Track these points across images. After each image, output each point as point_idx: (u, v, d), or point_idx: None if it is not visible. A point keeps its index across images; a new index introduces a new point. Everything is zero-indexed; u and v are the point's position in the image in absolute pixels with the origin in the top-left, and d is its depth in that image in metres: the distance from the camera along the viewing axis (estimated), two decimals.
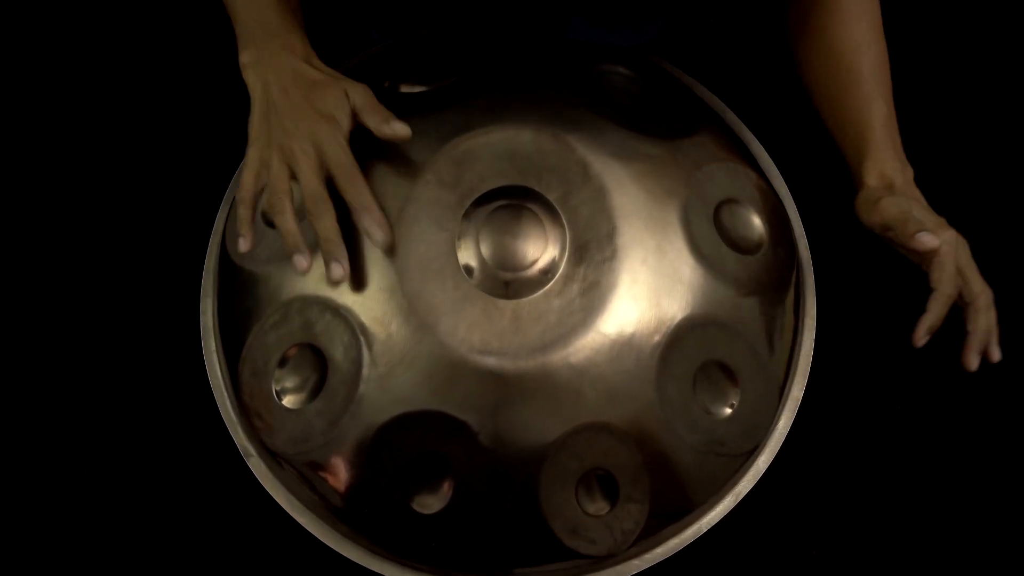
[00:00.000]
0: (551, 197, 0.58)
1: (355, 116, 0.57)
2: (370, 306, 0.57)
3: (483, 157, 0.59)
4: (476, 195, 0.58)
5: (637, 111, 0.65)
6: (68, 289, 0.84)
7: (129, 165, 0.90)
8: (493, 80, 0.65)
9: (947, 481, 0.85)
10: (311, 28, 0.66)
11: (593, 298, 0.56)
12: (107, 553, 0.74)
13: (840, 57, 0.66)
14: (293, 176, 0.56)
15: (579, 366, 0.55)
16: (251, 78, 0.59)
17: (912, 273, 0.66)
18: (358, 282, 0.58)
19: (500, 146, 0.59)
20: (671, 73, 0.74)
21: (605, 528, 0.57)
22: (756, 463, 0.63)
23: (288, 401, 0.58)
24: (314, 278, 0.59)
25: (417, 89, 0.65)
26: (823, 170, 0.72)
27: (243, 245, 0.58)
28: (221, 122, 0.86)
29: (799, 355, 0.65)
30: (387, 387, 0.56)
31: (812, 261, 0.70)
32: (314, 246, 0.57)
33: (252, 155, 0.58)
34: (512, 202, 0.58)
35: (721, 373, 0.59)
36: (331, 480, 0.58)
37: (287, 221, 0.56)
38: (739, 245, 0.61)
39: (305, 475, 0.59)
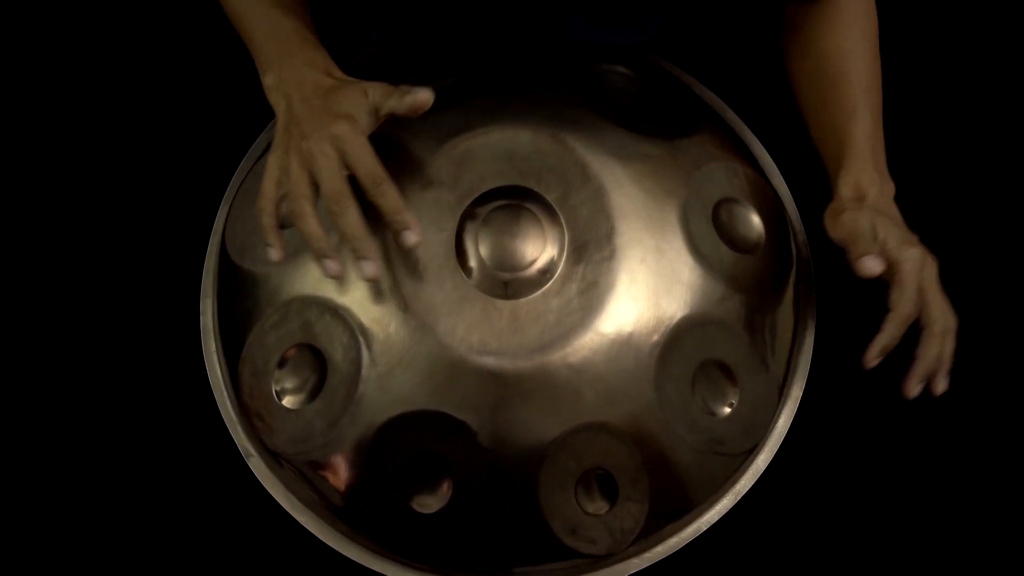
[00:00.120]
0: (550, 197, 0.58)
1: (377, 113, 0.56)
2: (369, 306, 0.57)
3: (482, 157, 0.59)
4: (475, 195, 0.58)
5: (636, 111, 0.65)
6: (68, 289, 0.84)
7: (129, 165, 0.91)
8: (492, 80, 0.65)
9: (947, 481, 0.85)
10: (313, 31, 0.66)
11: (592, 298, 0.56)
12: (107, 553, 0.74)
13: (828, 64, 0.65)
14: (314, 181, 0.54)
15: (578, 366, 0.55)
16: (275, 98, 0.58)
17: None
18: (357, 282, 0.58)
19: (499, 146, 0.59)
20: (671, 73, 0.74)
21: (604, 527, 0.57)
22: (755, 462, 0.63)
23: (288, 401, 0.59)
24: (313, 279, 0.59)
25: None
26: (823, 170, 0.72)
27: (274, 255, 0.56)
28: (221, 122, 0.86)
29: (799, 354, 0.66)
30: (386, 387, 0.56)
31: (812, 260, 0.70)
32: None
33: (271, 162, 0.56)
34: (511, 202, 0.59)
35: (720, 372, 0.59)
36: (331, 480, 0.58)
37: (310, 225, 0.54)
38: (738, 245, 0.62)
39: (305, 475, 0.59)
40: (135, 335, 0.81)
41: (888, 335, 0.56)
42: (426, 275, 0.57)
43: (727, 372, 0.59)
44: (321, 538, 0.60)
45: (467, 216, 0.58)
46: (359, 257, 0.54)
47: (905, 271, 0.56)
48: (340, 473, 0.58)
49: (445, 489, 0.55)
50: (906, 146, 0.68)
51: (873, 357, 0.57)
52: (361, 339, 0.56)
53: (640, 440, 0.56)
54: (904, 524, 0.82)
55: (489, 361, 0.55)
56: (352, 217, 0.53)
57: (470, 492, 0.55)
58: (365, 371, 0.56)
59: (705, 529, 0.61)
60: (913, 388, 0.57)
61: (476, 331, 0.56)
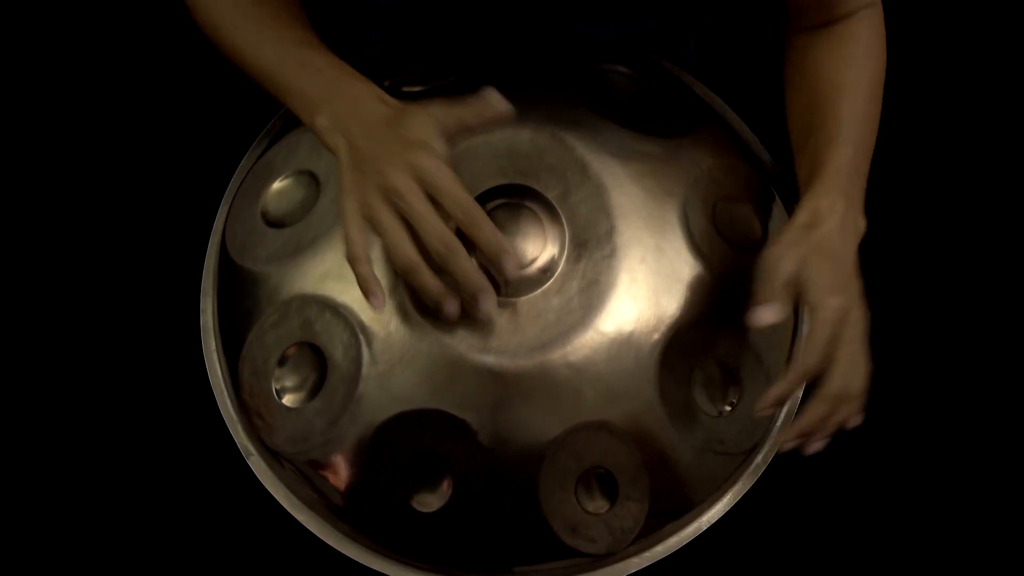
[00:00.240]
0: (550, 196, 0.58)
1: (449, 134, 0.52)
2: (369, 305, 0.57)
3: (482, 156, 0.59)
4: (475, 194, 0.58)
5: (636, 110, 0.65)
6: (68, 289, 0.84)
7: (129, 165, 0.91)
8: (492, 79, 0.65)
9: (947, 481, 0.85)
10: (313, 29, 0.66)
11: (592, 297, 0.56)
12: (107, 552, 0.74)
13: (819, 95, 0.62)
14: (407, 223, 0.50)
15: (578, 365, 0.55)
16: (332, 139, 0.54)
17: (912, 274, 0.66)
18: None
19: (499, 145, 0.59)
20: (671, 72, 0.74)
21: (604, 526, 0.57)
22: (755, 461, 0.63)
23: (288, 400, 0.59)
24: (313, 277, 0.59)
25: (416, 88, 0.65)
26: None
27: (377, 304, 0.51)
28: (221, 122, 0.87)
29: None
30: (386, 386, 0.56)
31: None
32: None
33: (350, 207, 0.51)
34: (511, 201, 0.59)
35: (720, 371, 0.59)
36: (331, 479, 0.58)
37: (427, 278, 0.50)
38: (738, 243, 0.62)
39: (305, 474, 0.59)
40: (135, 334, 0.81)
41: (782, 387, 0.52)
42: None
43: (727, 371, 0.59)
44: (321, 537, 0.60)
45: None
46: (477, 301, 0.51)
47: (818, 320, 0.51)
48: (340, 472, 0.58)
49: (445, 488, 0.55)
50: (906, 146, 0.68)
51: (764, 407, 0.53)
52: (361, 337, 0.56)
53: (640, 439, 0.56)
54: (903, 524, 0.82)
55: (489, 360, 0.55)
56: (464, 261, 0.49)
57: (470, 491, 0.55)
58: (365, 370, 0.56)
59: (705, 528, 0.61)
60: (786, 443, 0.53)
61: (476, 330, 0.56)
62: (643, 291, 0.57)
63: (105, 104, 0.95)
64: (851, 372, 0.52)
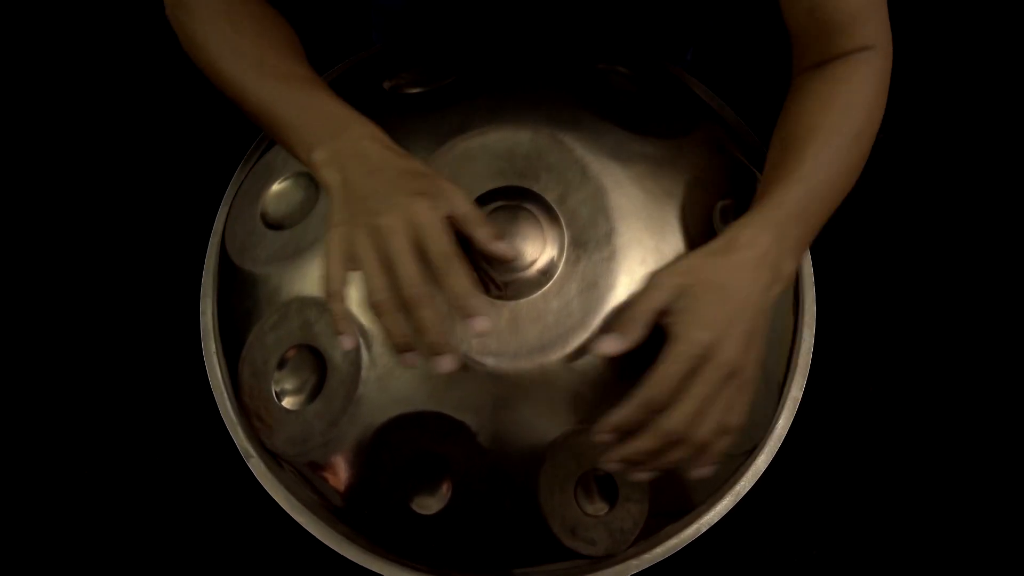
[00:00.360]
0: (549, 198, 0.58)
1: (452, 217, 0.50)
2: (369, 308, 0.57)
3: (481, 157, 0.59)
4: (474, 196, 0.58)
5: (636, 111, 0.64)
6: (68, 290, 0.84)
7: (129, 166, 0.91)
8: (492, 80, 0.65)
9: (946, 481, 0.85)
10: (312, 30, 0.66)
11: (591, 299, 0.56)
12: (107, 553, 0.74)
13: (795, 134, 0.58)
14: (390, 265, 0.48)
15: (577, 367, 0.55)
16: (328, 174, 0.52)
17: (912, 275, 0.66)
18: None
19: (498, 146, 0.59)
20: (671, 73, 0.74)
21: (604, 528, 0.57)
22: (755, 463, 0.63)
23: (288, 402, 0.59)
24: (313, 279, 0.59)
25: (416, 89, 0.65)
26: None
27: (347, 343, 0.50)
28: (221, 123, 0.87)
29: (798, 354, 0.65)
30: (386, 388, 0.56)
31: (811, 260, 0.70)
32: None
33: (334, 242, 0.49)
34: (510, 203, 0.58)
35: None
36: (330, 480, 0.58)
37: (392, 324, 0.48)
38: None
39: (305, 475, 0.59)
40: (135, 336, 0.81)
41: (620, 414, 0.49)
42: None
43: None
44: (320, 539, 0.60)
45: None
46: (433, 354, 0.49)
47: (672, 352, 0.48)
48: (340, 474, 0.58)
49: (445, 490, 0.56)
50: (906, 146, 0.67)
51: (601, 433, 0.49)
52: (361, 340, 0.56)
53: None
54: (903, 524, 0.82)
55: (489, 362, 0.55)
56: (429, 315, 0.48)
57: (470, 493, 0.55)
58: (365, 372, 0.56)
59: (705, 530, 0.61)
60: (608, 463, 0.50)
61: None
62: None
63: (105, 106, 0.95)
64: (697, 416, 0.48)
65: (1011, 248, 1.07)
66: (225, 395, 0.64)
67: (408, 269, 0.47)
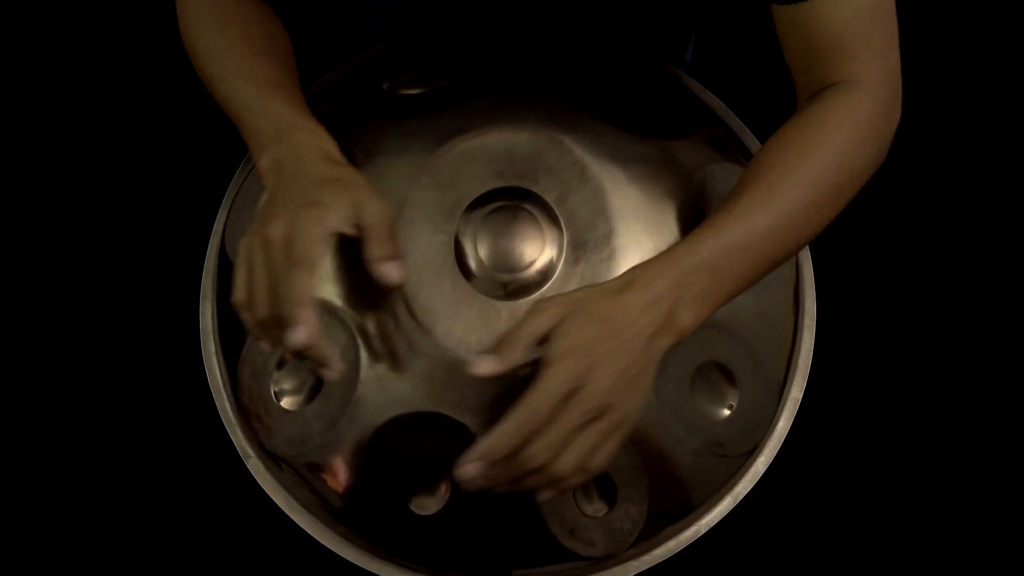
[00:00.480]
0: (548, 198, 0.58)
1: (357, 228, 0.51)
2: (368, 308, 0.57)
3: (480, 158, 0.59)
4: (473, 197, 0.58)
5: (635, 112, 0.64)
6: (68, 291, 0.84)
7: (129, 167, 0.91)
8: (491, 81, 0.65)
9: (946, 481, 0.85)
10: (312, 30, 0.66)
11: None
12: (107, 553, 0.74)
13: (752, 169, 0.53)
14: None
15: None
16: (267, 180, 0.54)
17: (912, 276, 0.66)
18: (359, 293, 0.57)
19: (497, 147, 0.59)
20: (670, 74, 0.73)
21: (603, 529, 0.56)
22: (755, 464, 0.62)
23: (287, 402, 0.59)
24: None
25: (416, 90, 0.65)
26: None
27: (266, 347, 0.53)
28: (222, 124, 0.87)
29: (798, 355, 0.65)
30: (385, 388, 0.56)
31: (811, 261, 0.70)
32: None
33: (241, 250, 0.52)
34: (509, 203, 0.59)
35: (719, 374, 0.59)
36: (329, 481, 0.58)
37: (247, 319, 0.52)
38: None
39: (303, 476, 0.59)
40: (135, 337, 0.81)
41: (485, 444, 0.45)
42: (425, 277, 0.57)
43: (726, 374, 0.59)
44: (319, 540, 0.60)
45: (465, 218, 0.58)
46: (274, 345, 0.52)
47: (542, 380, 0.45)
48: (338, 475, 0.58)
49: (444, 491, 0.55)
50: (906, 147, 0.67)
51: (465, 466, 0.46)
52: (359, 340, 0.56)
53: (639, 442, 0.56)
54: (903, 524, 0.82)
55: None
56: (253, 322, 0.51)
57: (468, 494, 0.55)
58: (363, 372, 0.56)
59: (705, 531, 0.61)
60: (463, 466, 0.46)
61: (474, 332, 0.56)
62: None
63: (105, 107, 0.95)
64: (559, 449, 0.45)
65: (1011, 249, 1.07)
66: (224, 396, 0.64)
67: (260, 281, 0.49)
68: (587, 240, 0.57)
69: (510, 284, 0.57)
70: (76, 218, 0.87)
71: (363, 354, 0.56)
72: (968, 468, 0.85)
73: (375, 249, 0.51)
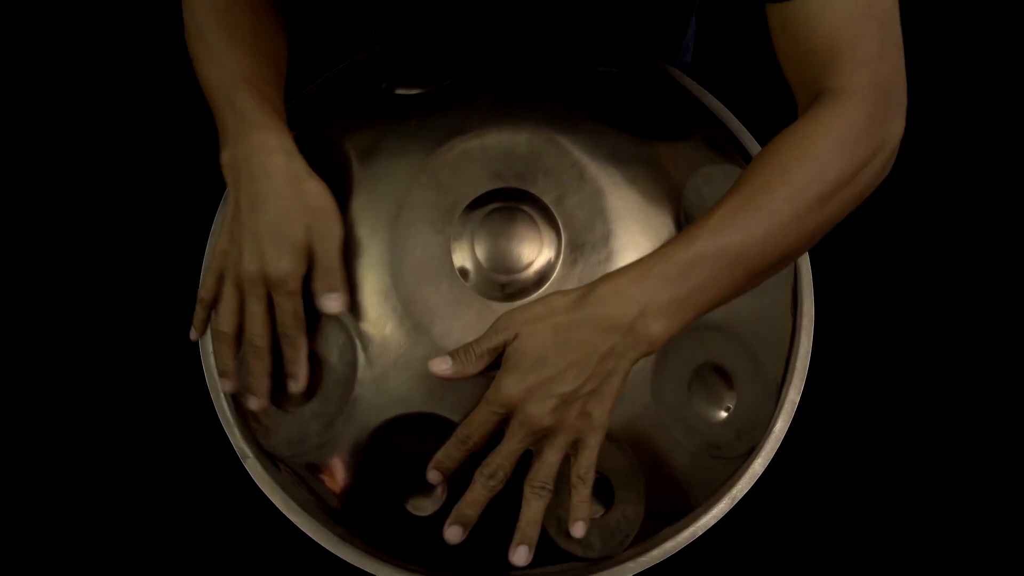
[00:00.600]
0: (546, 200, 0.58)
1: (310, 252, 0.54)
2: (366, 308, 0.57)
3: (479, 159, 0.59)
4: (471, 198, 0.58)
5: (634, 114, 0.64)
6: (68, 291, 0.84)
7: (129, 167, 0.91)
8: (491, 82, 0.65)
9: (944, 482, 0.85)
10: (312, 30, 0.66)
11: None
12: (106, 553, 0.74)
13: (743, 178, 0.52)
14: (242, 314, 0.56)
15: None
16: (226, 176, 0.57)
17: (911, 277, 0.66)
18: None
19: (496, 148, 0.59)
20: (670, 75, 0.73)
21: (600, 530, 0.56)
22: (753, 466, 0.62)
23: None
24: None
25: (415, 90, 0.65)
26: None
27: (194, 336, 0.60)
28: None
29: (796, 357, 0.65)
30: (382, 389, 0.56)
31: (810, 263, 0.70)
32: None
33: (218, 252, 0.57)
34: (508, 204, 0.58)
35: (717, 376, 0.59)
36: (327, 481, 0.58)
37: (221, 354, 0.57)
38: None
39: (301, 476, 0.59)
40: (133, 337, 0.81)
41: (441, 454, 0.50)
42: (422, 277, 0.57)
43: (724, 376, 0.59)
44: (316, 540, 0.60)
45: (463, 219, 0.58)
46: (247, 391, 0.56)
47: (484, 399, 0.48)
48: (336, 475, 0.58)
49: (440, 492, 0.55)
50: (906, 148, 0.67)
51: (429, 469, 0.50)
52: (357, 341, 0.56)
53: (636, 443, 0.56)
54: (901, 525, 0.82)
55: None
56: (260, 364, 0.55)
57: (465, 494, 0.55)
58: (361, 373, 0.56)
59: (702, 533, 0.61)
60: (451, 535, 0.50)
61: (472, 333, 0.55)
62: None
63: (105, 107, 0.95)
64: (500, 469, 0.49)
65: (1010, 249, 1.07)
66: (222, 396, 0.64)
67: (257, 326, 0.54)
68: (585, 241, 0.57)
69: (508, 285, 0.57)
70: (75, 218, 0.87)
71: (360, 355, 0.56)
72: (967, 468, 0.85)
73: (317, 282, 0.54)
